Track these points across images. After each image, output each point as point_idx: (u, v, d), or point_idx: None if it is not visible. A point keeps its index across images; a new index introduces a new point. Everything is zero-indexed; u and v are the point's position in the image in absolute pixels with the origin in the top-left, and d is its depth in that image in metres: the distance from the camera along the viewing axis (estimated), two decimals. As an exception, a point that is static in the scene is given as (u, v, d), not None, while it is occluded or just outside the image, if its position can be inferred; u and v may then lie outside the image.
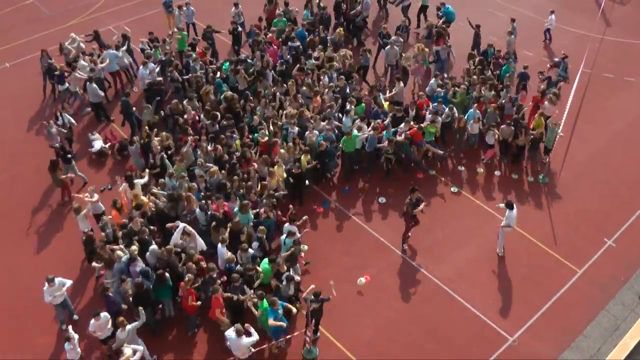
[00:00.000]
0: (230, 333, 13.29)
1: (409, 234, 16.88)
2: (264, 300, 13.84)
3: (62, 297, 14.51)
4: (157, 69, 21.21)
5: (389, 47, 22.31)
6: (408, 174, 19.22)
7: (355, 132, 18.48)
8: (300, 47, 22.64)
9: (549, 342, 14.81)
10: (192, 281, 14.14)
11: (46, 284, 14.21)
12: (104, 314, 13.78)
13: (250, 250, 15.24)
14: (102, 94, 20.93)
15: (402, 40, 23.21)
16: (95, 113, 21.31)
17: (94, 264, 15.40)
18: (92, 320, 13.64)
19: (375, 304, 15.69)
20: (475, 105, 19.73)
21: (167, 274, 14.38)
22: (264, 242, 15.68)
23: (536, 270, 16.46)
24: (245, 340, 13.13)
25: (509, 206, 16.03)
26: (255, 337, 13.33)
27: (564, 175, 19.20)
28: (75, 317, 15.18)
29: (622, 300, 15.71)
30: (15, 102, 22.52)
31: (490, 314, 15.41)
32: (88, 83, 20.51)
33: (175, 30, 23.65)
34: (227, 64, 21.62)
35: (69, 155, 18.51)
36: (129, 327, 13.41)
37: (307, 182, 18.35)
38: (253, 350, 13.48)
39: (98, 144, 20.06)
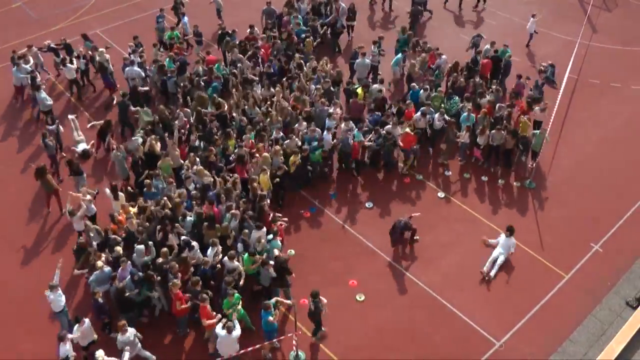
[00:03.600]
0: (219, 331, 13.38)
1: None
2: (226, 299, 13.99)
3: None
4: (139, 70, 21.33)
5: (359, 59, 22.01)
6: (396, 179, 19.27)
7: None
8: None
9: (536, 347, 14.81)
10: (177, 286, 14.07)
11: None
12: (87, 320, 13.68)
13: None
14: (51, 102, 20.66)
15: (376, 51, 22.65)
16: (46, 117, 20.48)
17: (75, 271, 15.32)
18: (76, 326, 13.52)
19: (363, 308, 15.64)
20: (469, 110, 19.77)
21: (155, 276, 14.47)
22: (247, 243, 15.62)
23: (523, 275, 16.48)
24: (235, 334, 13.33)
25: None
26: (239, 329, 13.53)
27: (550, 180, 19.28)
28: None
29: (608, 305, 15.75)
30: (1, 106, 22.32)
31: (477, 318, 15.41)
32: (37, 93, 20.32)
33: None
34: (219, 65, 21.75)
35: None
36: (130, 331, 13.38)
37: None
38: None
39: (82, 146, 19.83)
